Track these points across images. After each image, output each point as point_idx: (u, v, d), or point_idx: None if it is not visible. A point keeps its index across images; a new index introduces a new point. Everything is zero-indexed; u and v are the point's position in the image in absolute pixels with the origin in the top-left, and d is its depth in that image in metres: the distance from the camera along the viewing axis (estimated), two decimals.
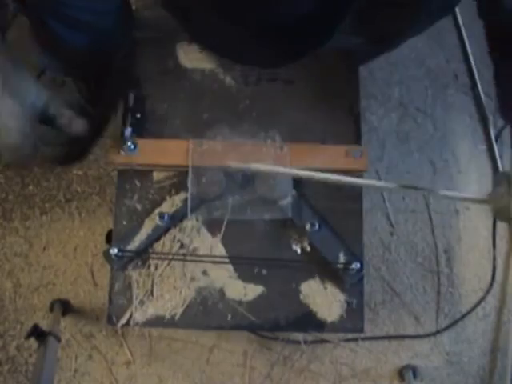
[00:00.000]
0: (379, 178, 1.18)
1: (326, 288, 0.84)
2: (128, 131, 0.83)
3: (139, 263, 0.84)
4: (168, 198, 0.86)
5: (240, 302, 0.83)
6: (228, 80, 0.91)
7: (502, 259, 1.18)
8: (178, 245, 0.84)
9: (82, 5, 0.72)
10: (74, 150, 1.17)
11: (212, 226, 0.85)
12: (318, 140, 0.87)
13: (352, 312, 0.84)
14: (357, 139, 0.89)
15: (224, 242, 0.85)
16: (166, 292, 0.84)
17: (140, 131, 0.87)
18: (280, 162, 0.83)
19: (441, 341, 1.14)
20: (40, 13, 0.77)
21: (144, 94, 0.89)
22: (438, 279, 1.17)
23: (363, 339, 1.12)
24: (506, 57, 0.70)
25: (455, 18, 1.24)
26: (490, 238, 1.18)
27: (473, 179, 1.22)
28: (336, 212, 0.85)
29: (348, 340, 1.12)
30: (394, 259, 1.17)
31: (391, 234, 1.18)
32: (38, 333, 0.86)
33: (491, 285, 1.17)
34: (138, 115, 0.88)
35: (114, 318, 0.83)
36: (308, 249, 0.85)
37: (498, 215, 0.67)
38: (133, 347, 1.10)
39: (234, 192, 0.84)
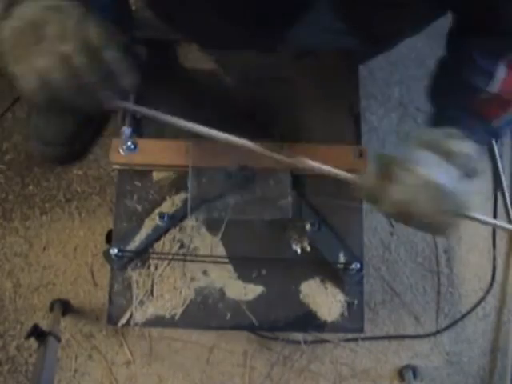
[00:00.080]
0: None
1: (326, 288, 0.84)
2: (128, 131, 0.83)
3: (139, 263, 0.84)
4: (168, 198, 0.86)
5: (240, 302, 0.83)
6: (228, 80, 0.91)
7: (502, 259, 1.19)
8: (178, 245, 0.84)
9: None
10: (74, 150, 1.17)
11: (212, 226, 0.85)
12: (317, 140, 0.87)
13: (352, 312, 0.84)
14: (357, 139, 0.89)
15: (224, 242, 0.85)
16: (166, 292, 0.84)
17: (140, 131, 0.87)
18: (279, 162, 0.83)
19: (441, 341, 1.14)
20: None
21: (144, 94, 0.89)
22: (438, 279, 1.17)
23: (363, 339, 1.12)
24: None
25: None
26: (490, 238, 1.19)
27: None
28: (336, 212, 0.85)
29: (348, 340, 1.12)
30: (394, 259, 1.17)
31: (391, 234, 1.18)
32: (38, 333, 0.86)
33: (491, 285, 1.17)
34: (138, 115, 0.88)
35: (114, 318, 0.83)
36: (308, 249, 0.85)
37: (365, 197, 0.62)
38: (133, 347, 1.10)
39: (234, 192, 0.84)
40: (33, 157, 1.15)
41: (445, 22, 0.73)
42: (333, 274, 0.84)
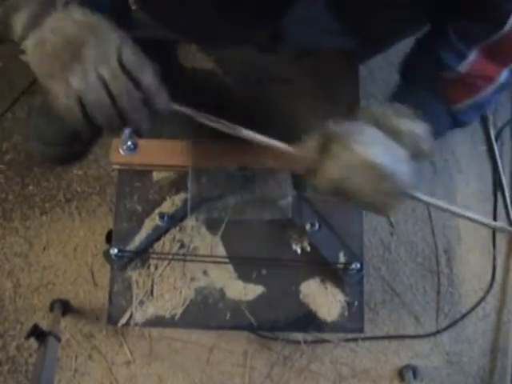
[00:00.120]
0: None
1: (326, 288, 0.84)
2: (128, 131, 0.83)
3: (139, 263, 0.84)
4: (168, 198, 0.86)
5: (240, 302, 0.83)
6: (228, 80, 0.91)
7: (502, 259, 1.19)
8: (178, 245, 0.84)
9: None
10: (74, 150, 1.17)
11: (212, 226, 0.85)
12: None
13: (352, 312, 0.84)
14: None
15: (224, 242, 0.85)
16: (166, 292, 0.84)
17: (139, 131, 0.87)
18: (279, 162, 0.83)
19: (441, 341, 1.14)
20: None
21: None
22: (438, 279, 1.17)
23: (363, 339, 1.12)
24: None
25: None
26: (490, 238, 1.18)
27: (473, 179, 1.22)
28: (336, 212, 0.85)
29: (348, 340, 1.12)
30: (394, 259, 1.17)
31: (391, 234, 1.18)
32: (38, 333, 0.86)
33: (491, 285, 1.17)
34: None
35: (114, 318, 0.83)
36: (308, 249, 0.85)
37: (305, 170, 0.59)
38: (133, 347, 1.10)
39: (234, 192, 0.84)
40: (33, 157, 1.15)
41: None
42: (333, 274, 0.84)
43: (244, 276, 0.84)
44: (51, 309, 1.07)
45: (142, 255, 0.84)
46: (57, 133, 1.06)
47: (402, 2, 0.69)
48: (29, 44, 0.52)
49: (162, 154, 0.84)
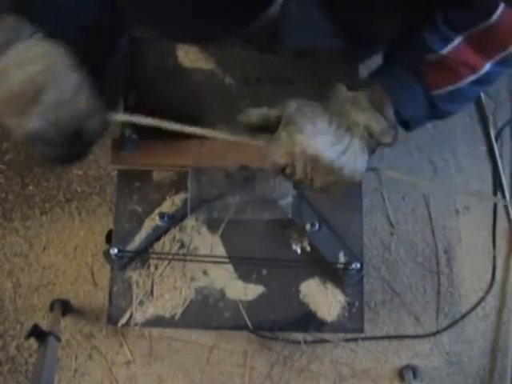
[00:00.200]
0: (379, 178, 1.18)
1: (326, 288, 0.84)
2: (128, 131, 0.83)
3: (139, 263, 0.84)
4: (168, 198, 0.86)
5: (240, 302, 0.83)
6: (228, 80, 0.91)
7: (502, 259, 1.19)
8: (178, 245, 0.84)
9: None
10: (74, 150, 1.17)
11: (212, 226, 0.85)
12: None
13: (352, 312, 0.84)
14: None
15: (224, 242, 0.85)
16: (166, 292, 0.84)
17: (140, 131, 0.87)
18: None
19: (441, 341, 1.14)
20: None
21: (144, 94, 0.89)
22: (438, 279, 1.17)
23: (363, 339, 1.13)
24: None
25: None
26: (490, 238, 1.19)
27: (473, 179, 1.22)
28: (336, 212, 0.85)
29: (348, 340, 1.12)
30: (394, 259, 1.17)
31: (391, 233, 1.18)
32: (38, 333, 0.86)
33: (491, 285, 1.17)
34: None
35: (114, 318, 0.83)
36: (308, 249, 0.85)
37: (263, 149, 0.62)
38: (133, 347, 1.10)
39: (234, 192, 0.84)
40: (33, 157, 1.15)
41: None
42: (333, 274, 0.84)
43: (244, 276, 0.84)
44: (51, 309, 1.07)
45: (142, 255, 0.84)
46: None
47: (391, 4, 0.69)
48: None
49: (162, 154, 0.84)
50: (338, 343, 1.12)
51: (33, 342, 0.86)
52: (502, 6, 0.56)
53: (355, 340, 1.12)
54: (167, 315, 0.83)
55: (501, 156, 1.23)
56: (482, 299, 1.16)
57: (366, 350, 1.13)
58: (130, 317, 0.83)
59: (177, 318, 0.83)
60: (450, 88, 0.62)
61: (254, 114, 0.64)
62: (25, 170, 1.16)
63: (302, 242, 0.85)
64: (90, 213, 1.14)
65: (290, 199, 0.83)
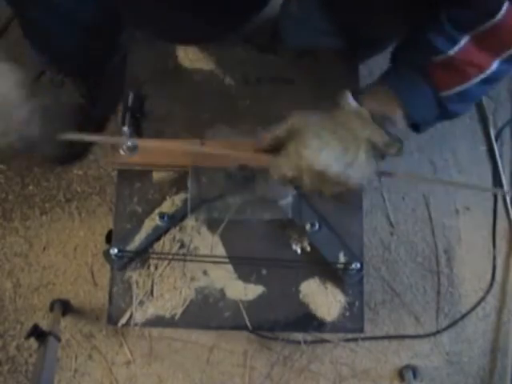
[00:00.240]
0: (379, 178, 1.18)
1: (326, 288, 0.84)
2: (128, 131, 0.83)
3: (139, 263, 0.84)
4: (168, 198, 0.86)
5: (240, 302, 0.83)
6: (228, 80, 0.91)
7: (502, 259, 1.19)
8: (178, 245, 0.84)
9: None
10: (74, 150, 1.17)
11: (212, 226, 0.85)
12: None
13: (352, 312, 0.84)
14: None
15: (224, 242, 0.85)
16: (166, 292, 0.84)
17: (140, 131, 0.87)
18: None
19: (441, 341, 1.14)
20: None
21: (144, 94, 0.89)
22: (438, 279, 1.17)
23: (363, 339, 1.12)
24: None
25: None
26: (490, 238, 1.19)
27: (473, 179, 1.22)
28: (336, 212, 0.85)
29: (348, 340, 1.12)
30: (394, 259, 1.17)
31: (391, 233, 1.18)
32: (38, 333, 0.86)
33: (491, 285, 1.17)
34: (138, 115, 0.88)
35: (114, 318, 0.83)
36: (308, 249, 0.85)
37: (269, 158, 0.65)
38: (133, 347, 1.10)
39: (234, 192, 0.84)
40: (33, 157, 1.15)
41: None
42: (333, 274, 0.84)
43: (244, 276, 0.84)
44: (51, 309, 1.07)
45: (142, 255, 0.84)
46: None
47: (390, 4, 0.69)
48: None
49: (162, 154, 0.84)
50: (337, 343, 1.12)
51: (33, 341, 0.86)
52: (506, 6, 0.56)
53: (355, 340, 1.12)
54: (167, 315, 0.83)
55: (501, 156, 1.23)
56: (482, 299, 1.16)
57: (366, 349, 1.13)
58: (130, 317, 0.83)
59: (177, 318, 0.83)
60: (459, 89, 0.63)
61: (268, 139, 0.66)
62: (25, 170, 1.16)
63: (302, 241, 0.85)
64: (90, 213, 1.14)
65: (289, 199, 0.83)
